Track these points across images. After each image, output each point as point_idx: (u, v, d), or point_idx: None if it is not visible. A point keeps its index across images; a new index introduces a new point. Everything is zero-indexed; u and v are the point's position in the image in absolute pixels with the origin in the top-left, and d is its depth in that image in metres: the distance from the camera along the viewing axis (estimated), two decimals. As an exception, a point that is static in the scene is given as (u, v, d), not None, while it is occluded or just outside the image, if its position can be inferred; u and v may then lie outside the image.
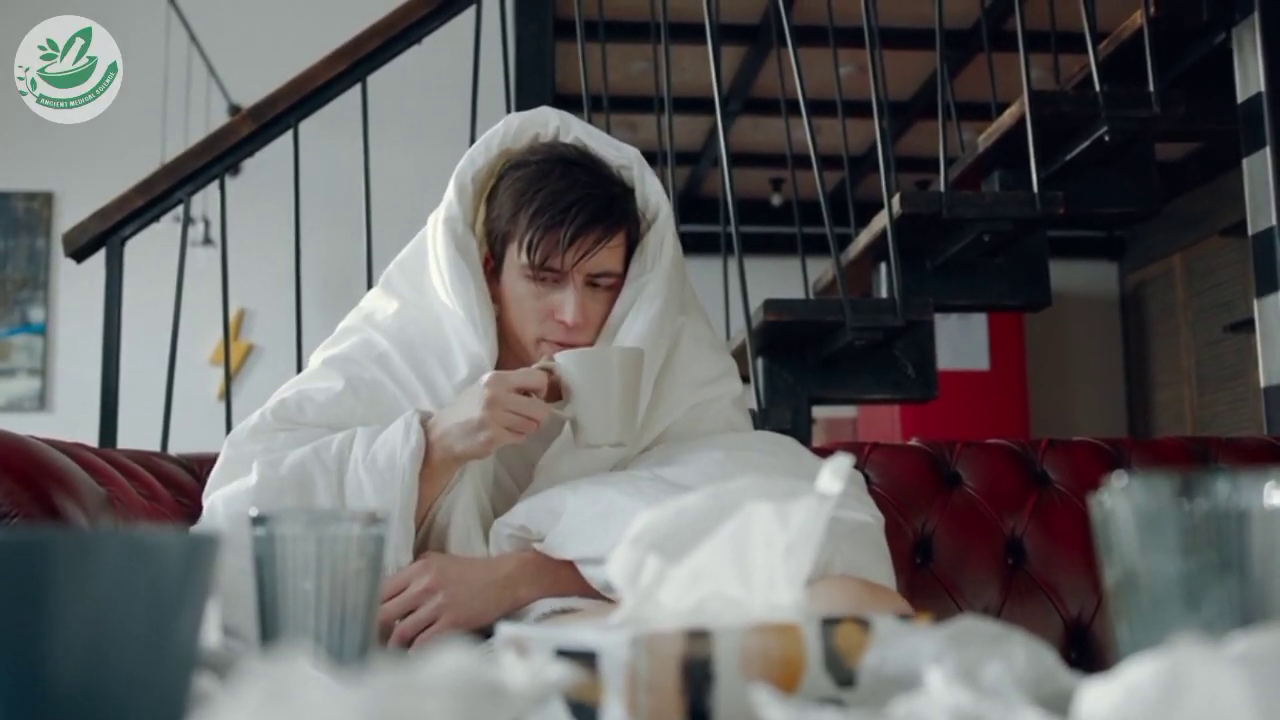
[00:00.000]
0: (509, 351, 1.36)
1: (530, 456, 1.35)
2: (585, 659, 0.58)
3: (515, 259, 1.32)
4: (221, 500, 1.26)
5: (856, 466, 1.71)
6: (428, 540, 1.30)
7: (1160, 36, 2.47)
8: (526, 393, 1.23)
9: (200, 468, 1.51)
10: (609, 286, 1.34)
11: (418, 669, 0.45)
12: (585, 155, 1.35)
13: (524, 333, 1.34)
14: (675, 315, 1.38)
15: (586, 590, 1.24)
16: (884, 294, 2.67)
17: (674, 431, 1.38)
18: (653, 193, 1.37)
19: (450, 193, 1.36)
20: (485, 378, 1.24)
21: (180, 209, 2.53)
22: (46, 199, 4.95)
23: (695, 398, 1.39)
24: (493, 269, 1.36)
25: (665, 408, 1.37)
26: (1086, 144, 2.45)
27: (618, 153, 1.38)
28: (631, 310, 1.33)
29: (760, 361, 2.50)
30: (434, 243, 1.36)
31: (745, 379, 2.49)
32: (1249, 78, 2.44)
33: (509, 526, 1.28)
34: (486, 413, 1.21)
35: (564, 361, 1.26)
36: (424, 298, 1.38)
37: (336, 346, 1.39)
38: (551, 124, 1.38)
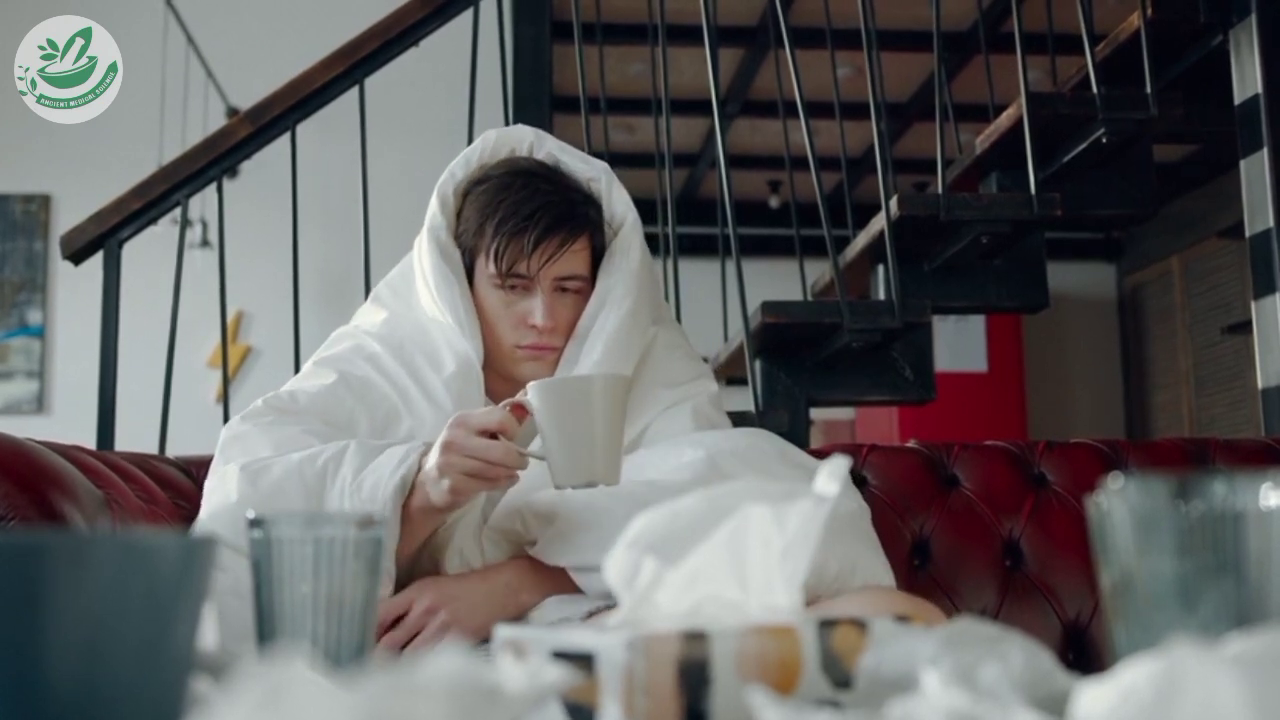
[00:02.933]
0: (490, 363, 1.38)
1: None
2: (582, 661, 0.58)
3: (485, 270, 1.36)
4: (207, 517, 1.25)
5: (854, 469, 1.71)
6: (425, 546, 1.29)
7: (1157, 38, 2.47)
8: (495, 435, 1.13)
9: (198, 470, 1.51)
10: (577, 291, 1.37)
11: (414, 671, 0.45)
12: (544, 167, 1.40)
13: (502, 342, 1.37)
14: (647, 317, 1.41)
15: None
16: (882, 296, 2.67)
17: (652, 431, 1.39)
18: (619, 203, 1.41)
19: (434, 204, 1.40)
20: (451, 419, 1.17)
21: (178, 211, 2.52)
22: (44, 201, 4.94)
23: (672, 396, 1.41)
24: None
25: (642, 407, 1.39)
26: (1084, 146, 2.45)
27: (587, 166, 1.42)
28: (602, 311, 1.36)
29: (758, 364, 2.49)
30: (419, 254, 1.41)
31: (743, 381, 2.51)
32: (1246, 79, 2.44)
33: (499, 530, 1.28)
34: (442, 458, 1.13)
35: (532, 394, 1.14)
36: (411, 311, 1.42)
37: (328, 351, 1.44)
38: (526, 140, 1.43)
